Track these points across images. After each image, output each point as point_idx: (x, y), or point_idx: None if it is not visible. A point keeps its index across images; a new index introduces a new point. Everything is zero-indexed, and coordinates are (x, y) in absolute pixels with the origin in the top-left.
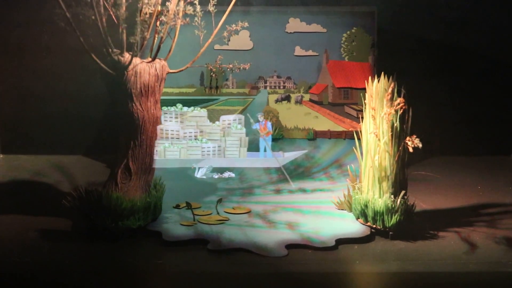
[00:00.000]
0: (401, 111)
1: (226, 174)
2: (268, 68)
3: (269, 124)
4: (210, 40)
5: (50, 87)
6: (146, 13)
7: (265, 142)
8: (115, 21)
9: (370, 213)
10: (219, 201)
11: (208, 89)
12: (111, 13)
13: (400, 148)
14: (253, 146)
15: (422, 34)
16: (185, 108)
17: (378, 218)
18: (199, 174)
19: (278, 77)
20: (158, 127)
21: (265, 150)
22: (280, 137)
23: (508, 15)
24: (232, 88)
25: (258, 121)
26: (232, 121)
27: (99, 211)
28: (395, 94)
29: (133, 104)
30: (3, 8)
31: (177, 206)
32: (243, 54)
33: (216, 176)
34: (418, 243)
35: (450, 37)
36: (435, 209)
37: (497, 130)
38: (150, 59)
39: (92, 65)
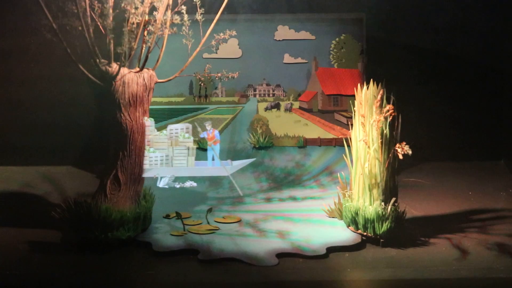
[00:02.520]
0: (391, 118)
1: (188, 184)
2: (257, 76)
3: (216, 132)
4: (198, 49)
5: (39, 97)
6: (133, 23)
7: (213, 150)
8: (102, 31)
9: (360, 220)
10: (209, 210)
11: (197, 98)
12: (98, 23)
13: (390, 155)
14: (243, 155)
15: (411, 40)
16: None
17: (369, 225)
18: (161, 184)
19: (268, 85)
20: None
21: (213, 159)
22: (270, 145)
23: (496, 21)
24: (222, 96)
25: (205, 129)
26: (179, 130)
27: (88, 223)
28: (385, 101)
29: (122, 115)
30: None
31: (167, 216)
32: (232, 62)
33: (178, 185)
34: (409, 250)
35: (439, 43)
36: (426, 215)
37: (487, 135)
38: (138, 69)
39: (80, 75)
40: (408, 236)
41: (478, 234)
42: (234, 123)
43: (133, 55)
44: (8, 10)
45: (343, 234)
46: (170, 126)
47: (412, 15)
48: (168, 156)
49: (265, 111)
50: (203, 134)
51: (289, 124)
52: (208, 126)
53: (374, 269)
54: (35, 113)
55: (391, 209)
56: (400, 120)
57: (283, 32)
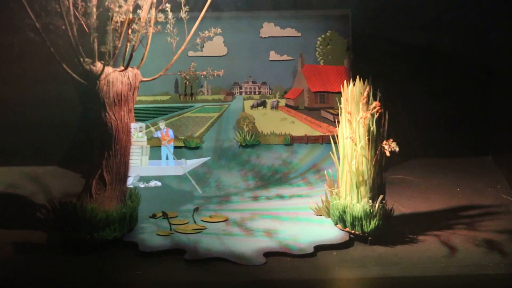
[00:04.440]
0: (377, 115)
1: (153, 183)
2: (243, 73)
3: (170, 131)
4: (183, 47)
5: (23, 97)
6: (117, 22)
7: (167, 149)
8: (86, 30)
9: (348, 218)
10: (196, 209)
11: (183, 96)
12: (82, 22)
13: (377, 152)
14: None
15: (397, 37)
16: None
17: (356, 223)
18: None
19: (254, 82)
20: None
21: (167, 158)
22: (257, 143)
23: (482, 16)
24: (207, 94)
25: (159, 128)
26: (133, 129)
27: (74, 223)
28: (371, 98)
29: (106, 114)
30: None
31: (154, 216)
32: (217, 60)
33: (142, 185)
34: (398, 248)
35: (425, 39)
36: (414, 212)
37: (475, 131)
38: (122, 68)
39: (64, 75)
40: (396, 233)
41: (466, 230)
42: (220, 121)
43: (117, 53)
44: None
45: (330, 232)
46: None
47: (398, 11)
48: None
49: (251, 108)
50: (156, 134)
51: (275, 121)
52: (162, 125)
53: (362, 267)
54: (19, 113)
55: (378, 206)
56: (386, 117)
57: (269, 29)
